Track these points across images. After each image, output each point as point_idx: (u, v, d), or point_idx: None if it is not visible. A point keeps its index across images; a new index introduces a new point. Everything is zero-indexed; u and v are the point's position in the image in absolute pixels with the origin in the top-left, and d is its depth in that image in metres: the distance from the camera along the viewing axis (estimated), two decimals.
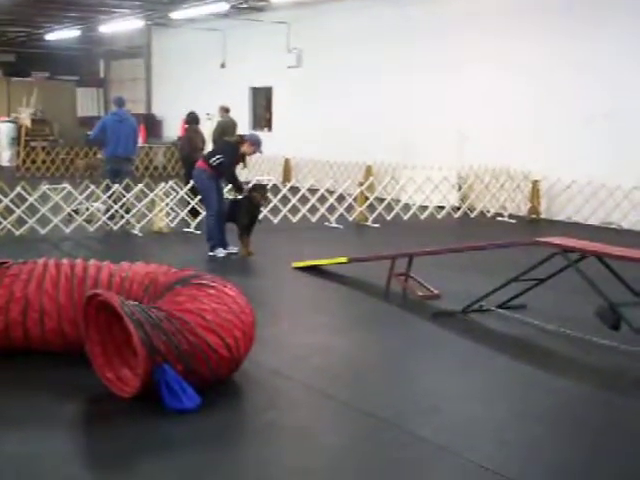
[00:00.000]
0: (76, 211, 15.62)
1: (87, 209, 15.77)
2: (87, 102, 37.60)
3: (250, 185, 13.52)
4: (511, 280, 9.02)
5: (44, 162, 27.94)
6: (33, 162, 27.99)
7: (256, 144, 13.24)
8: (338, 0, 23.40)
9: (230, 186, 13.79)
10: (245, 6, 25.84)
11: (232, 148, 13.28)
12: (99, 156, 26.53)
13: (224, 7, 24.32)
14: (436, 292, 10.21)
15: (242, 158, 13.45)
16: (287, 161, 25.83)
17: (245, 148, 13.16)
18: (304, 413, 6.45)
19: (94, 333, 6.77)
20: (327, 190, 17.48)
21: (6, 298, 7.43)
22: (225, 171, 13.05)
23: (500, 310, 9.34)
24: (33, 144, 29.34)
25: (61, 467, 5.37)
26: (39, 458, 5.49)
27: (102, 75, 39.05)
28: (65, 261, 7.77)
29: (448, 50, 20.80)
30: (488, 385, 7.25)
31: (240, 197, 13.42)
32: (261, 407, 6.51)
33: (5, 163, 30.46)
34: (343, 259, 11.43)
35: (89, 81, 37.97)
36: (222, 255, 13.12)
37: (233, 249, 13.28)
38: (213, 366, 6.43)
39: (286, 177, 25.03)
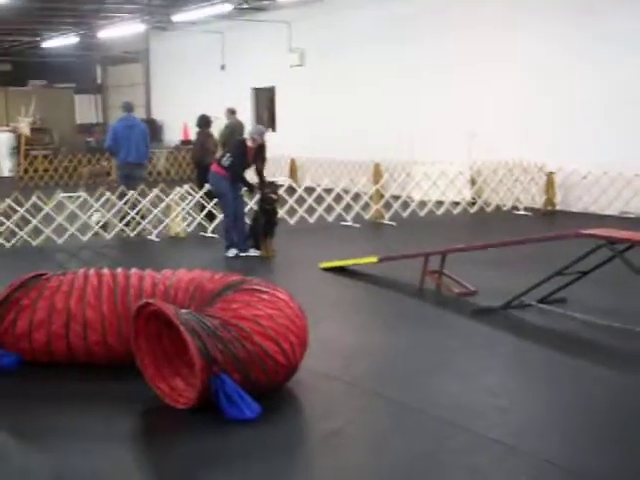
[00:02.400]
0: (104, 226, 15.39)
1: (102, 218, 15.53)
2: (85, 109, 37.39)
3: (259, 183, 13.45)
4: (555, 273, 8.84)
5: (46, 171, 27.68)
6: (35, 171, 27.72)
7: (254, 134, 13.29)
8: None
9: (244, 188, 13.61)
10: (246, 6, 25.63)
11: (239, 145, 13.31)
12: (103, 163, 26.42)
13: (227, 8, 24.07)
14: (472, 289, 10.04)
15: (257, 155, 13.30)
16: (293, 161, 25.65)
17: (249, 142, 13.11)
18: (367, 417, 6.31)
19: (144, 343, 6.60)
20: (329, 189, 17.28)
21: (47, 310, 7.27)
22: (236, 170, 12.95)
23: (541, 305, 9.17)
24: (34, 153, 29.14)
25: None
26: (104, 472, 5.34)
27: (99, 81, 38.87)
28: (106, 271, 7.59)
29: (456, 45, 20.63)
30: (543, 382, 7.09)
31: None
32: (321, 413, 6.35)
33: (6, 173, 30.23)
34: (373, 259, 11.24)
35: (87, 88, 37.76)
36: (231, 255, 13.13)
37: (255, 252, 13.14)
38: (271, 374, 6.27)
39: (292, 177, 24.82)
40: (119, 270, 7.63)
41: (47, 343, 7.25)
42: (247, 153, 13.10)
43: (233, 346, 6.08)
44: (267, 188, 13.27)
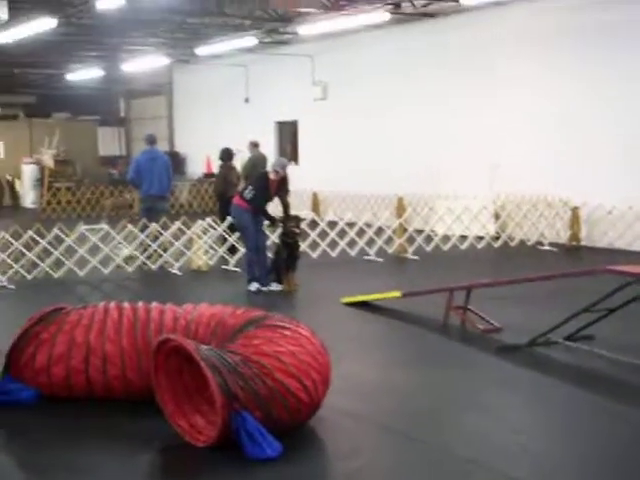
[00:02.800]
0: (129, 258, 15.34)
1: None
2: (108, 141, 37.57)
3: (282, 217, 13.32)
4: (582, 310, 8.67)
5: (69, 203, 27.76)
6: (58, 203, 27.79)
7: (276, 166, 13.18)
8: (363, 31, 23.21)
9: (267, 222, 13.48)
10: (270, 40, 25.71)
11: (261, 178, 13.22)
12: (126, 196, 26.46)
13: (252, 42, 24.11)
14: (497, 325, 9.89)
15: (280, 188, 13.20)
16: (315, 195, 25.58)
17: (272, 175, 13.04)
18: (390, 455, 6.16)
19: (164, 379, 6.49)
20: (352, 223, 17.17)
21: (67, 345, 7.19)
22: (258, 203, 12.88)
23: (568, 342, 9.00)
24: (57, 185, 29.25)
25: None
26: None
27: (123, 114, 39.07)
28: (127, 304, 7.51)
29: (478, 78, 20.59)
30: (566, 419, 6.97)
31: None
32: (344, 451, 6.21)
33: (29, 205, 30.36)
34: (397, 293, 11.11)
35: (110, 120, 38.00)
36: (253, 289, 13.00)
37: (277, 287, 13.02)
38: (293, 411, 6.14)
39: (315, 211, 24.73)
40: (140, 304, 7.55)
41: (66, 377, 7.17)
42: (269, 186, 13.02)
43: (254, 383, 5.96)
44: (290, 222, 13.18)
